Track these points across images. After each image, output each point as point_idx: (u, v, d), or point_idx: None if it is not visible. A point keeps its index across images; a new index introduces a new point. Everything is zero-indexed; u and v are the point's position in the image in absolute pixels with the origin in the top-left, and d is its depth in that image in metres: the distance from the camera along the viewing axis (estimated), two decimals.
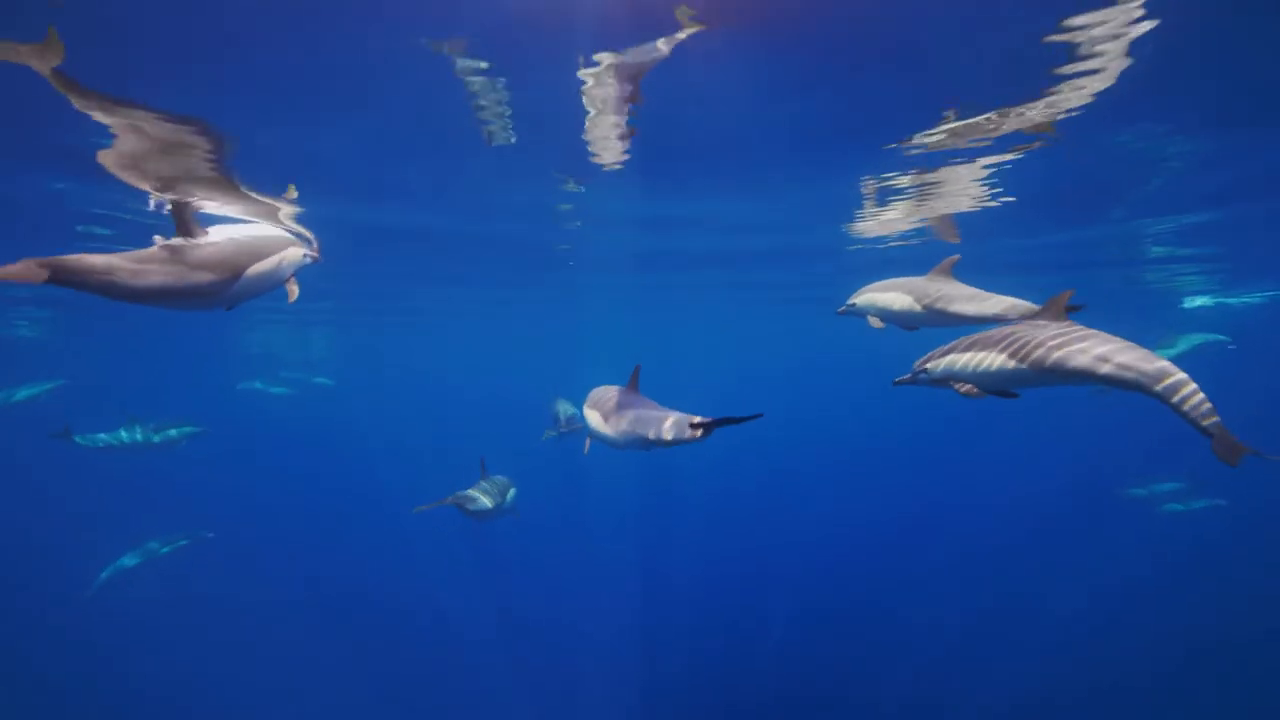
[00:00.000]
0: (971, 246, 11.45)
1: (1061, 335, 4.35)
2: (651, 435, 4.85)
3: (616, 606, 16.32)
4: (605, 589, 17.24)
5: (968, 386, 4.86)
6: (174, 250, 3.94)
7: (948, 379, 4.99)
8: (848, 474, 28.07)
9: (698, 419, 4.56)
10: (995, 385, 4.77)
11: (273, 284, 4.64)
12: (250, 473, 27.09)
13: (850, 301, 6.97)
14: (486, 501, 8.36)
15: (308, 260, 4.99)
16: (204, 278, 4.02)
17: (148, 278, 3.76)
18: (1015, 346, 4.50)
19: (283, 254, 4.65)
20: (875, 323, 6.81)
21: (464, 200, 8.61)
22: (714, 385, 37.96)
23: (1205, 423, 3.73)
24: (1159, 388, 3.89)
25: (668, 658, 14.16)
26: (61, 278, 3.38)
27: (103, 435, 12.10)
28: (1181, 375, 3.88)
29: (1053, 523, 20.31)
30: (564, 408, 12.15)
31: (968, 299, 6.03)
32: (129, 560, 13.33)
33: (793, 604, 16.24)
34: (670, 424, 4.75)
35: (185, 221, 4.11)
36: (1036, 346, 4.41)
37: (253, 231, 4.61)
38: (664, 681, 13.45)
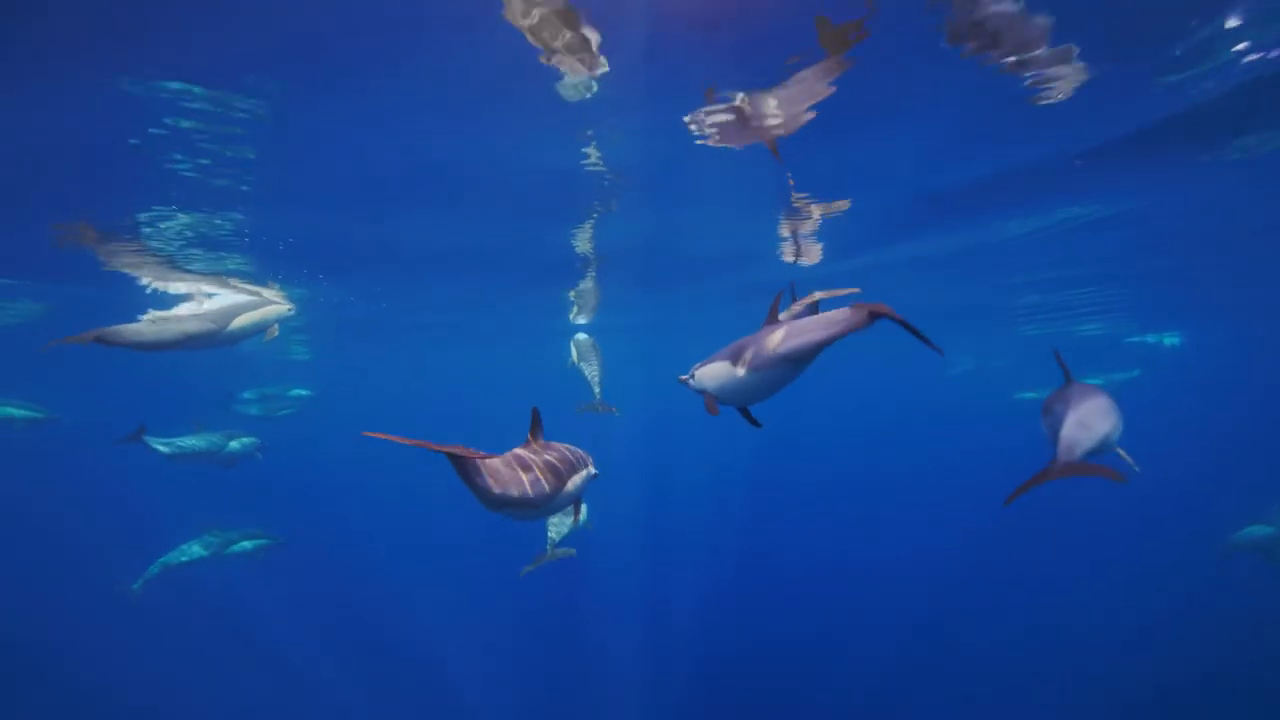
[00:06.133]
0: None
1: (765, 333, 4.07)
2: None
3: (624, 613, 16.33)
4: (614, 594, 17.25)
5: (709, 400, 4.46)
6: (522, 457, 3.91)
7: (703, 391, 4.53)
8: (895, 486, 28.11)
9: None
10: (730, 396, 4.38)
11: (570, 502, 4.45)
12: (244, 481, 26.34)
13: None
14: (565, 529, 8.90)
15: (591, 480, 4.76)
16: (544, 486, 3.88)
17: (501, 482, 3.65)
18: (737, 352, 4.22)
19: (589, 470, 4.59)
20: None
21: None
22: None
23: (879, 311, 3.51)
24: (841, 327, 3.69)
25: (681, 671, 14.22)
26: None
27: (179, 440, 10.40)
28: (833, 315, 3.79)
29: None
30: (584, 350, 10.24)
31: None
32: (192, 552, 10.82)
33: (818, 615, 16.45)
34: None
35: (536, 424, 4.27)
36: (746, 348, 4.13)
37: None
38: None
